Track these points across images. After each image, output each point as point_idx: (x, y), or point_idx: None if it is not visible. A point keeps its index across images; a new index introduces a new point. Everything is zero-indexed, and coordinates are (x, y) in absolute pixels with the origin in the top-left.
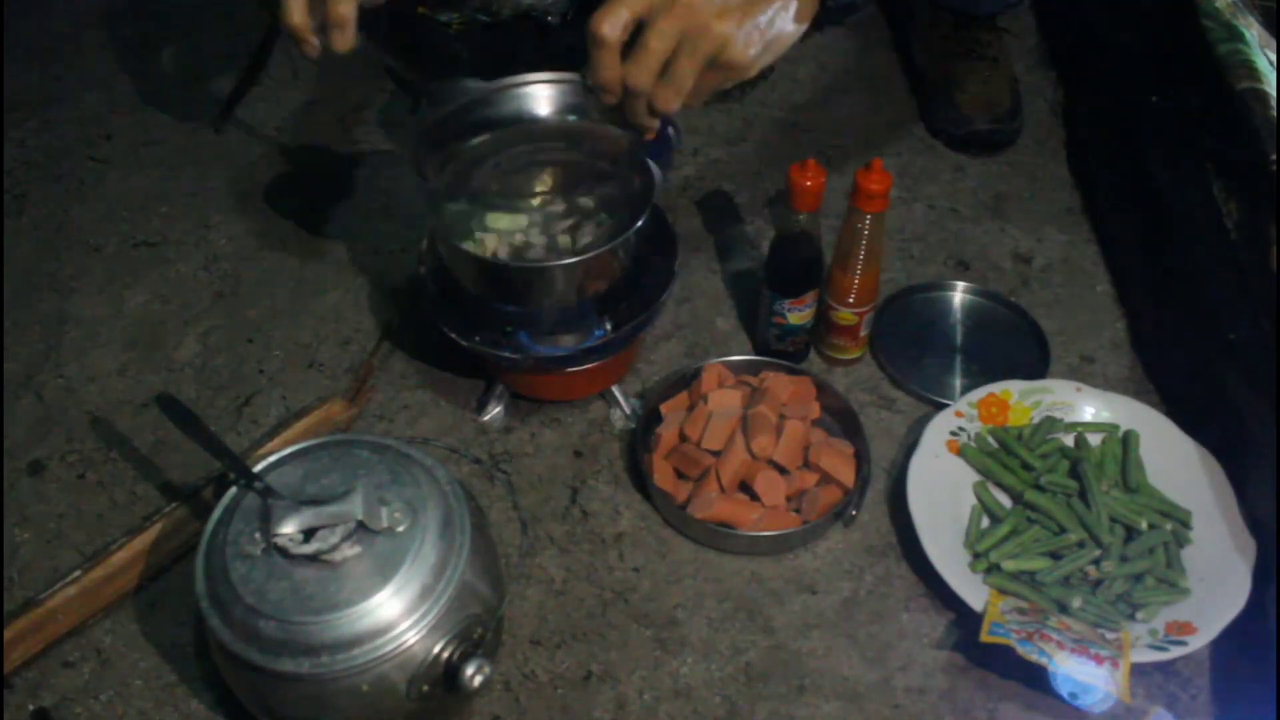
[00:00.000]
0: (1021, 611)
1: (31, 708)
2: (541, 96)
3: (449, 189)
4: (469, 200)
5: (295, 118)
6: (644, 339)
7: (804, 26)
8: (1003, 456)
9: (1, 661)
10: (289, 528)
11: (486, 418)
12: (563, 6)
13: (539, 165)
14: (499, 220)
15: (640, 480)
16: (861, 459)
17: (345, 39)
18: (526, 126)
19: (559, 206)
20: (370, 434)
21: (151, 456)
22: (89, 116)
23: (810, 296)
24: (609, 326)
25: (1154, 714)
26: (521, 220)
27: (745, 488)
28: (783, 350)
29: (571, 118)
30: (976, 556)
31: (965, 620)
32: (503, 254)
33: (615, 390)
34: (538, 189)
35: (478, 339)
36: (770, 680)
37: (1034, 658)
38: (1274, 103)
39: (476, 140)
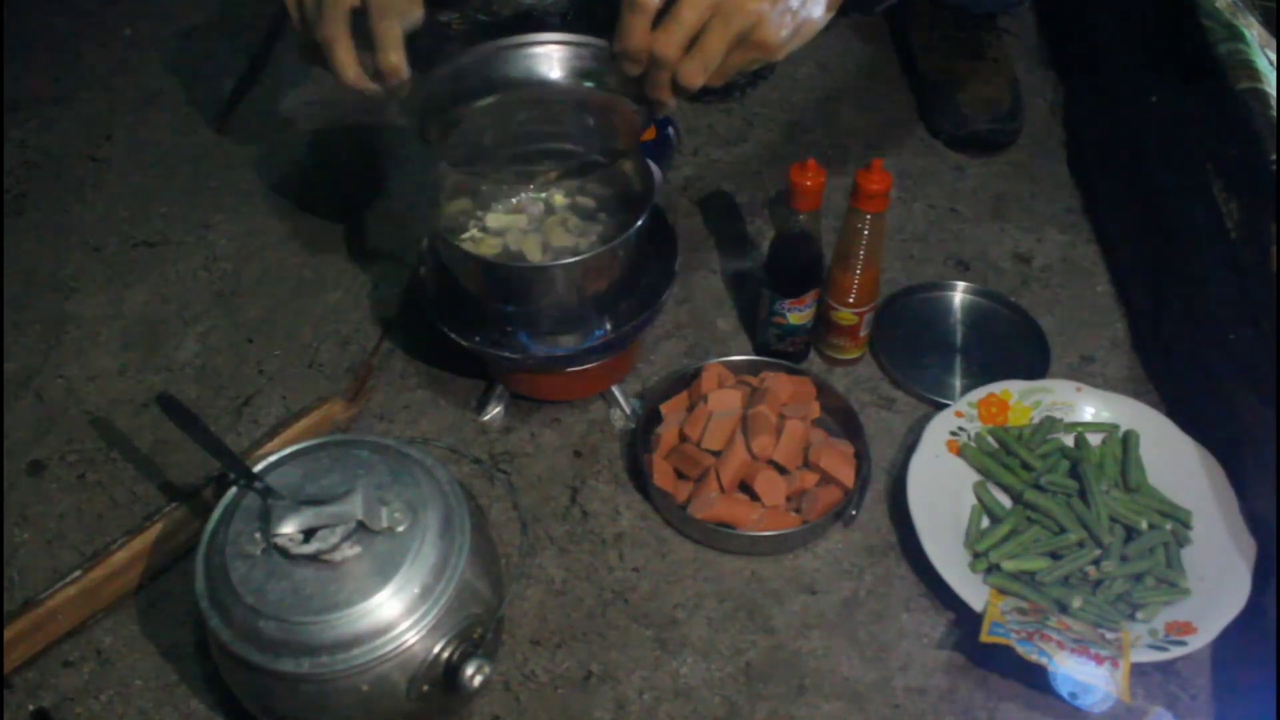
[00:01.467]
0: (1021, 611)
1: (31, 708)
2: (555, 58)
3: (449, 158)
4: (469, 172)
5: (296, 118)
6: (644, 339)
7: (831, 15)
8: (1003, 456)
9: (1, 661)
10: (289, 528)
11: (486, 418)
12: (563, 6)
13: (544, 144)
14: (498, 219)
15: (640, 480)
16: (861, 459)
17: (401, 85)
18: (536, 90)
19: (560, 203)
20: (370, 434)
21: (151, 456)
22: (89, 116)
23: (810, 296)
24: (609, 326)
25: (1154, 714)
26: (521, 219)
27: (745, 488)
28: (783, 350)
29: (587, 84)
30: (976, 556)
31: (965, 620)
32: (502, 254)
33: (615, 390)
34: (540, 170)
35: (478, 339)
36: (770, 680)
37: (1034, 658)
38: (1274, 103)
39: (482, 103)
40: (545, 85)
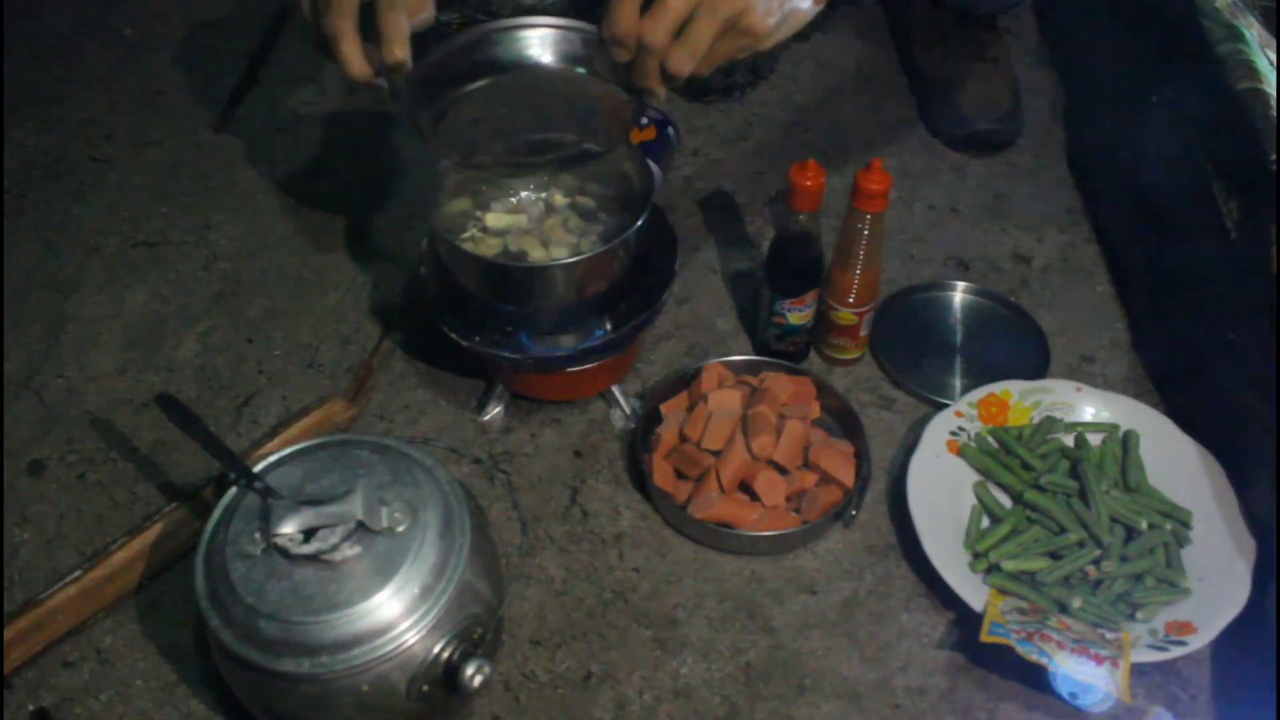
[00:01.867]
0: (1021, 611)
1: (31, 708)
2: (546, 42)
3: (441, 148)
4: (461, 163)
5: (295, 117)
6: (644, 339)
7: (820, 7)
8: (1003, 456)
9: (1, 661)
10: (289, 528)
11: (486, 418)
12: (562, 6)
13: (536, 133)
14: (498, 219)
15: (640, 480)
16: (861, 459)
17: (406, 80)
18: (527, 74)
19: (560, 203)
20: (370, 434)
21: (151, 456)
22: (89, 116)
23: (810, 296)
24: (609, 326)
25: (1154, 714)
26: (521, 219)
27: (745, 488)
28: (783, 350)
29: (578, 70)
30: (976, 556)
31: (965, 620)
32: (502, 254)
33: (615, 390)
34: (532, 161)
35: (478, 339)
36: (770, 680)
37: (1034, 658)
38: (1274, 103)
39: (471, 88)
40: (536, 69)
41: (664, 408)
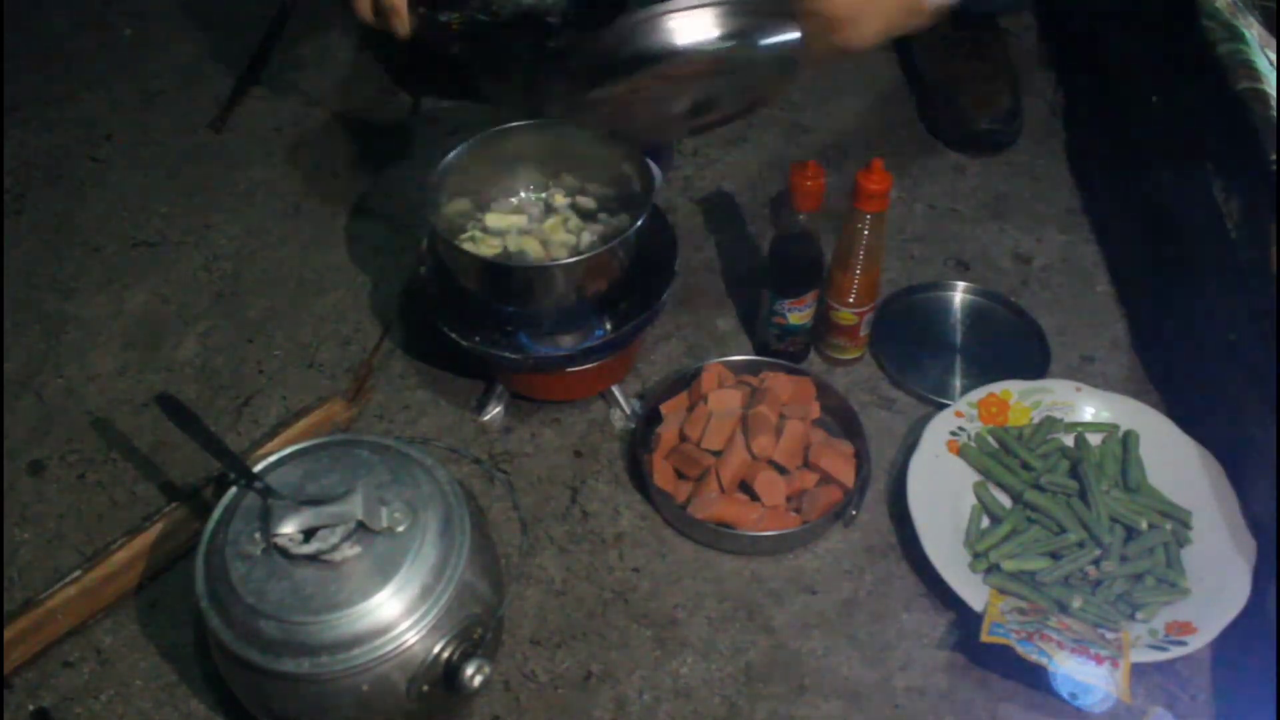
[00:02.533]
0: (1021, 611)
1: (31, 708)
2: (695, 23)
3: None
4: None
5: (294, 118)
6: (644, 339)
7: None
8: (1003, 456)
9: (1, 661)
10: (289, 528)
11: (486, 418)
12: (563, 6)
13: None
14: (498, 219)
15: (640, 480)
16: (861, 459)
17: (401, 24)
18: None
19: (560, 202)
20: (370, 434)
21: (151, 456)
22: (89, 116)
23: (810, 296)
24: (609, 326)
25: (1154, 714)
26: (521, 219)
27: (745, 488)
28: (783, 350)
29: (729, 44)
30: (976, 556)
31: (965, 620)
32: (502, 254)
33: (615, 390)
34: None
35: (478, 339)
36: (770, 680)
37: (1034, 658)
38: (1274, 103)
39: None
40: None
41: (664, 408)
